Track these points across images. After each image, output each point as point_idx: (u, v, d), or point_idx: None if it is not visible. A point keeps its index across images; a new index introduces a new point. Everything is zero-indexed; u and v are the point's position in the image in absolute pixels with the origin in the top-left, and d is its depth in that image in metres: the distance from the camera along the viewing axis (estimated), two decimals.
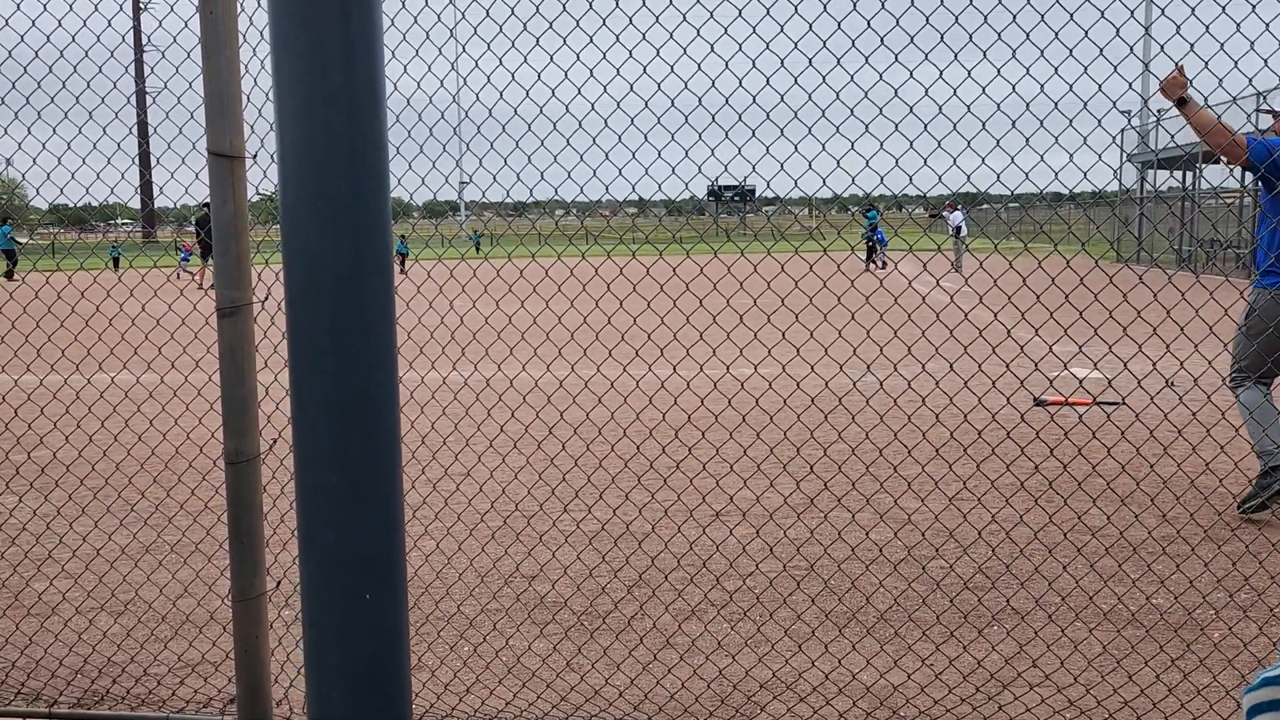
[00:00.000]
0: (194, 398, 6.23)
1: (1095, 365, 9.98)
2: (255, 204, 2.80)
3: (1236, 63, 2.81)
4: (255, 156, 2.69)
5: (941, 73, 2.94)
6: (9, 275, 27.04)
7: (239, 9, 2.60)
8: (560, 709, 3.44)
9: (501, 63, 3.03)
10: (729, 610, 4.28)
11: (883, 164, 2.95)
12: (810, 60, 2.89)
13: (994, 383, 4.36)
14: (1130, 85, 3.06)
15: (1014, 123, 2.92)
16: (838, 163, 3.00)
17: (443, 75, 3.32)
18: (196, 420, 5.62)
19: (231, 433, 2.73)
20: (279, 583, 4.38)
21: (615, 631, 4.10)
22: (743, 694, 3.55)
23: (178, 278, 25.41)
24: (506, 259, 3.98)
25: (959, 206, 27.59)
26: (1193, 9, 2.89)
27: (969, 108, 2.93)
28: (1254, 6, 2.83)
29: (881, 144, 2.92)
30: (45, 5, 3.43)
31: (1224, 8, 2.82)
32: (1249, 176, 5.39)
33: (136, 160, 3.95)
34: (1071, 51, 2.80)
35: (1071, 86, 2.90)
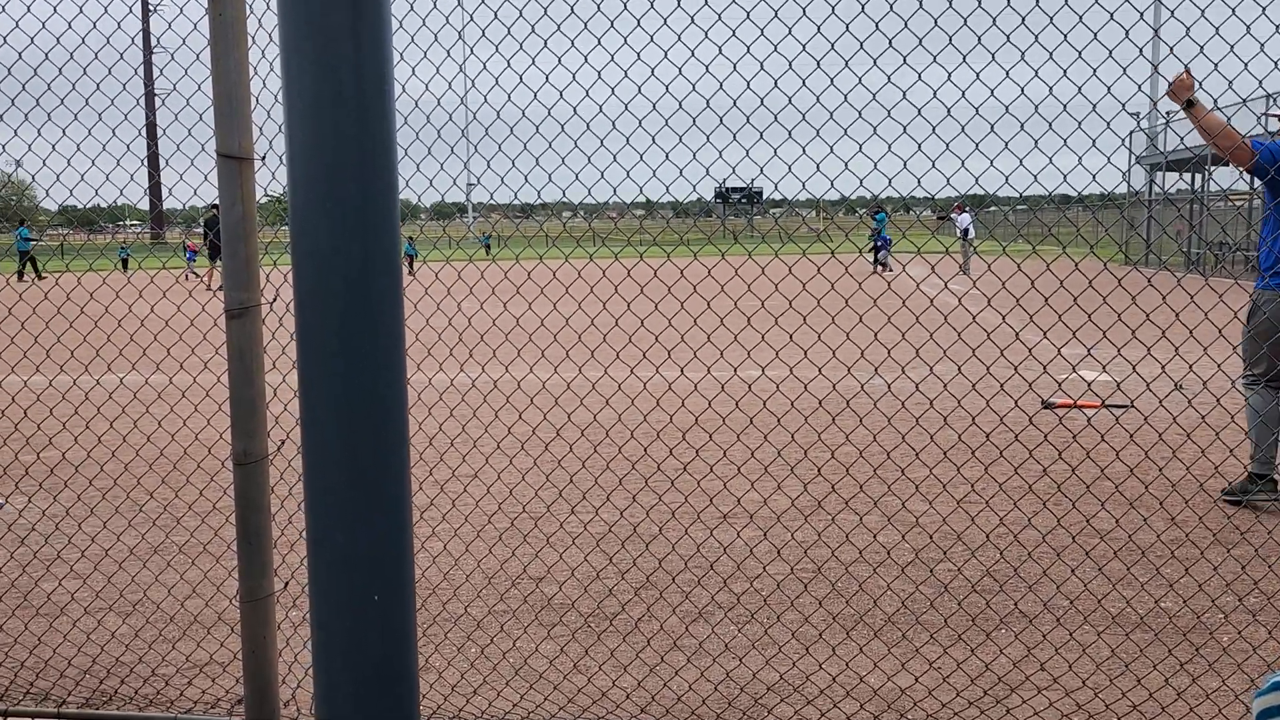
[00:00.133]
0: (202, 399, 6.25)
1: (1104, 368, 9.96)
2: (263, 206, 2.80)
3: (1246, 65, 2.80)
4: (264, 158, 2.70)
5: (950, 75, 2.93)
6: (37, 274, 27.32)
7: (248, 11, 2.61)
8: (567, 710, 3.44)
9: (509, 65, 3.03)
10: (736, 613, 4.28)
11: (890, 166, 2.94)
12: (818, 62, 2.89)
13: (1002, 385, 4.35)
14: (1139, 87, 3.06)
15: (1022, 125, 2.91)
16: (845, 165, 3.00)
17: (451, 77, 3.33)
18: (205, 421, 5.64)
19: (240, 434, 2.73)
20: (287, 584, 4.38)
21: (622, 633, 4.10)
22: (750, 697, 3.54)
23: (186, 279, 25.47)
24: (514, 261, 3.98)
25: (967, 209, 27.53)
26: (1202, 11, 2.88)
27: (977, 110, 2.93)
28: (1264, 9, 2.82)
29: (889, 146, 2.91)
30: (55, 7, 3.44)
31: (1233, 10, 2.81)
32: (1257, 180, 5.39)
33: (145, 162, 3.97)
34: (1080, 53, 2.79)
35: (1080, 89, 2.89)
